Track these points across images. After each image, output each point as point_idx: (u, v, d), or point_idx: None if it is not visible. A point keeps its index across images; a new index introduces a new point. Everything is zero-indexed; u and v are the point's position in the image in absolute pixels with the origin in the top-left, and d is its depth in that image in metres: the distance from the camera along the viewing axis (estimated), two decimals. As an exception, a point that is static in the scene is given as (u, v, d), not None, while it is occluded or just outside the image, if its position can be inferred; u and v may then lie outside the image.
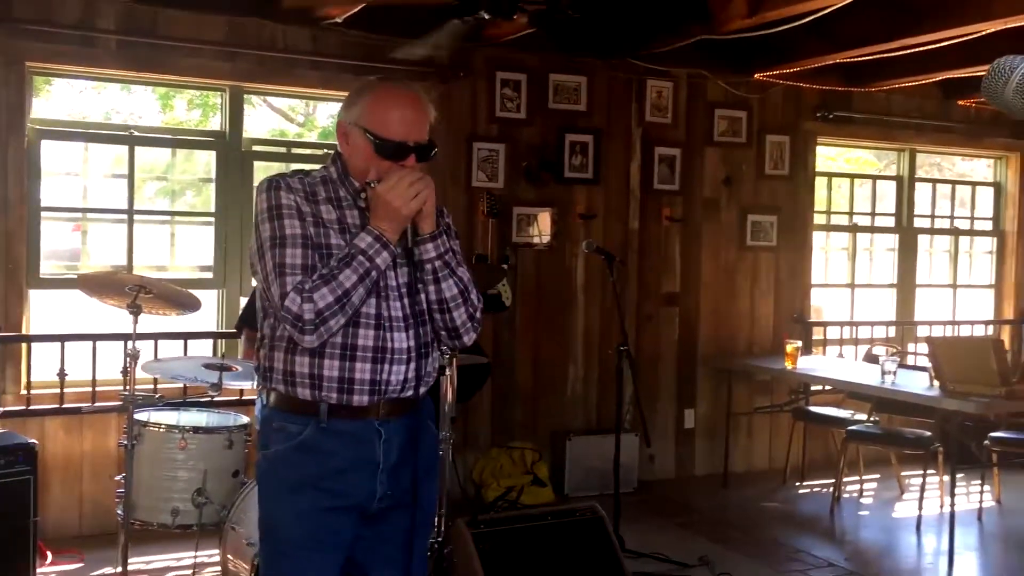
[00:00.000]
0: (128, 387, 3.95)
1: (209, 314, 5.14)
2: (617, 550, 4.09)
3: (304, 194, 2.19)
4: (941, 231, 7.65)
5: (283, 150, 6.09)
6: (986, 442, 5.62)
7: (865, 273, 7.39)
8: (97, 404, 4.83)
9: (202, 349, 5.24)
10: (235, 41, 5.14)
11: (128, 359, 4.04)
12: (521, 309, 5.87)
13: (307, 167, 2.64)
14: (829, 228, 7.22)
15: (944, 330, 7.33)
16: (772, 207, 6.63)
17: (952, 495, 4.94)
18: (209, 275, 5.38)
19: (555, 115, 5.93)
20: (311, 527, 2.18)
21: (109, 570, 4.37)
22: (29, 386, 4.83)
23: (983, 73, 1.95)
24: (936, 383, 5.00)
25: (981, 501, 5.76)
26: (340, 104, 2.28)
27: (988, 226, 7.79)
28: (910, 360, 6.48)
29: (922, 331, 7.18)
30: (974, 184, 8.00)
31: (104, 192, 5.52)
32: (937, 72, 6.10)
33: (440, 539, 3.94)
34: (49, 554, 4.44)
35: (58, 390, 4.80)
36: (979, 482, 5.93)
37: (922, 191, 7.51)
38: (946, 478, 5.40)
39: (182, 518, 3.89)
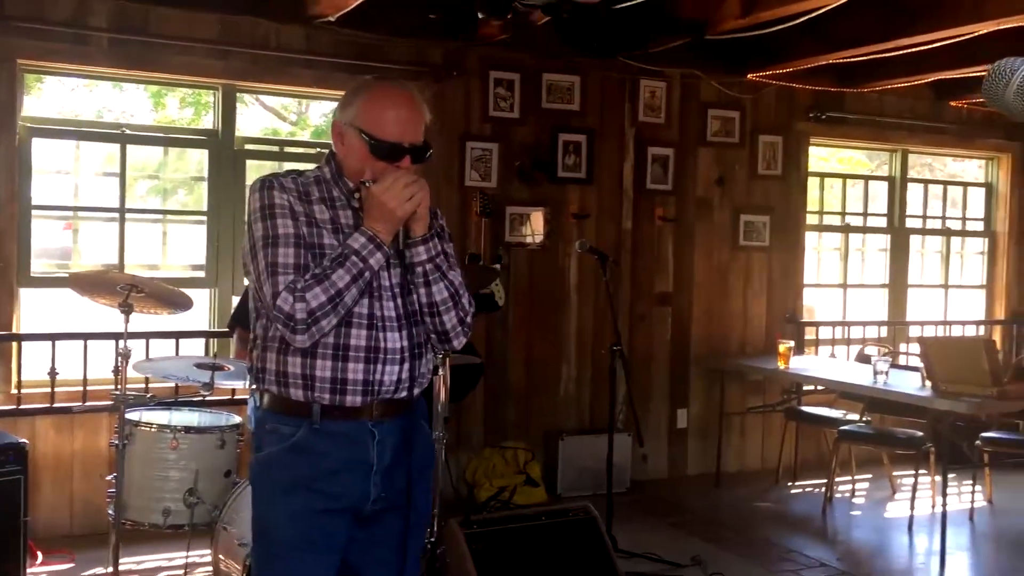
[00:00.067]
0: (119, 386, 3.92)
1: (201, 313, 5.12)
2: (610, 550, 4.09)
3: (297, 194, 2.18)
4: (933, 231, 7.67)
5: (276, 149, 6.08)
6: (978, 442, 5.64)
7: (857, 273, 7.42)
8: (88, 403, 4.82)
9: (194, 348, 5.23)
10: (228, 39, 5.12)
11: (119, 358, 4.01)
12: (514, 309, 5.87)
13: (300, 166, 2.63)
14: (821, 228, 7.23)
15: (936, 330, 7.36)
16: (765, 207, 6.64)
17: (944, 495, 4.96)
18: (201, 274, 5.36)
19: (548, 115, 5.93)
20: (304, 529, 2.17)
21: (100, 570, 4.35)
22: (20, 385, 4.81)
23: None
24: (928, 383, 5.01)
25: (972, 501, 5.78)
26: (333, 103, 2.27)
27: (980, 227, 7.81)
28: (902, 360, 6.49)
29: (914, 331, 7.21)
30: (965, 185, 8.03)
31: (96, 190, 5.49)
32: (929, 73, 6.11)
33: (433, 539, 3.94)
34: (39, 554, 4.42)
35: (49, 389, 4.78)
36: (971, 482, 5.95)
37: (914, 192, 7.53)
38: (938, 478, 5.41)
39: (174, 518, 3.88)
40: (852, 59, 5.85)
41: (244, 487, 3.72)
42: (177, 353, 4.94)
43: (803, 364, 6.03)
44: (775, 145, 6.65)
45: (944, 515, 4.87)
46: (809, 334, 6.95)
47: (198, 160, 5.55)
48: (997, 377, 4.75)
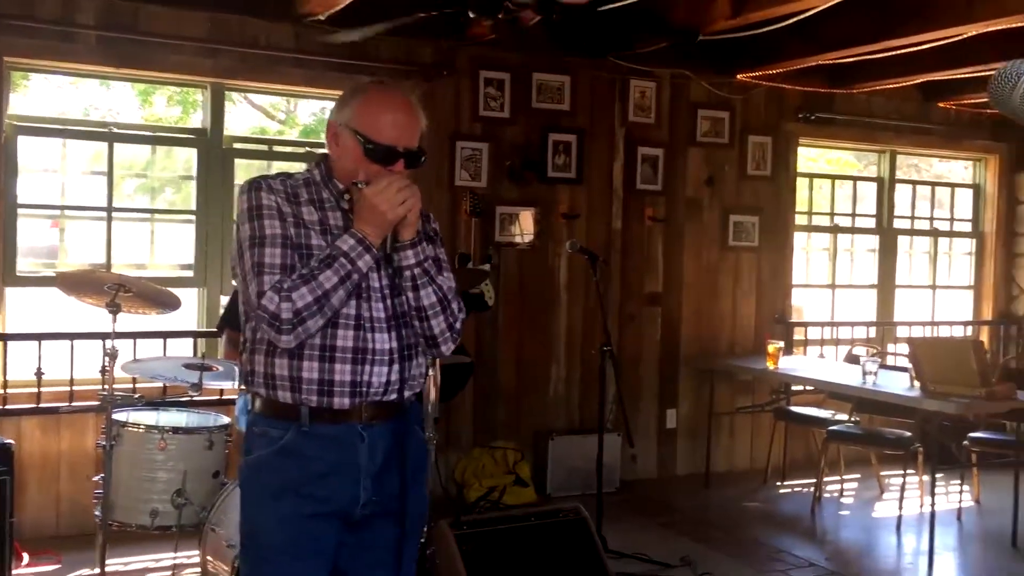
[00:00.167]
0: (107, 387, 3.90)
1: (189, 313, 5.10)
2: (600, 551, 4.09)
3: (285, 195, 2.17)
4: (921, 232, 7.70)
5: (264, 148, 6.04)
6: (965, 442, 5.66)
7: (846, 274, 7.44)
8: (75, 404, 4.79)
9: (182, 349, 5.20)
10: (217, 38, 5.10)
11: (107, 358, 3.99)
12: (504, 309, 5.86)
13: (288, 165, 2.61)
14: (810, 229, 7.25)
15: (924, 331, 7.38)
16: (754, 207, 6.65)
17: (932, 495, 4.97)
18: (189, 273, 5.33)
19: (538, 114, 5.93)
20: (293, 533, 2.15)
21: (87, 571, 4.33)
22: (5, 385, 4.78)
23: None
24: (916, 384, 5.02)
25: (960, 501, 5.80)
26: (322, 102, 2.27)
27: (967, 227, 7.85)
28: (890, 360, 6.51)
29: (902, 332, 7.23)
30: (953, 186, 8.06)
31: (83, 189, 5.46)
32: (918, 74, 6.13)
33: (423, 540, 3.93)
34: (25, 555, 4.39)
35: (35, 389, 4.75)
36: (958, 482, 5.98)
37: (902, 192, 7.56)
38: (926, 478, 5.44)
39: (161, 519, 3.86)
40: (842, 60, 5.87)
41: (232, 488, 3.71)
42: (165, 353, 4.91)
43: (792, 364, 6.04)
44: (764, 146, 6.66)
45: (932, 515, 4.89)
46: (798, 334, 6.97)
47: (186, 159, 5.52)
48: (985, 378, 4.76)
